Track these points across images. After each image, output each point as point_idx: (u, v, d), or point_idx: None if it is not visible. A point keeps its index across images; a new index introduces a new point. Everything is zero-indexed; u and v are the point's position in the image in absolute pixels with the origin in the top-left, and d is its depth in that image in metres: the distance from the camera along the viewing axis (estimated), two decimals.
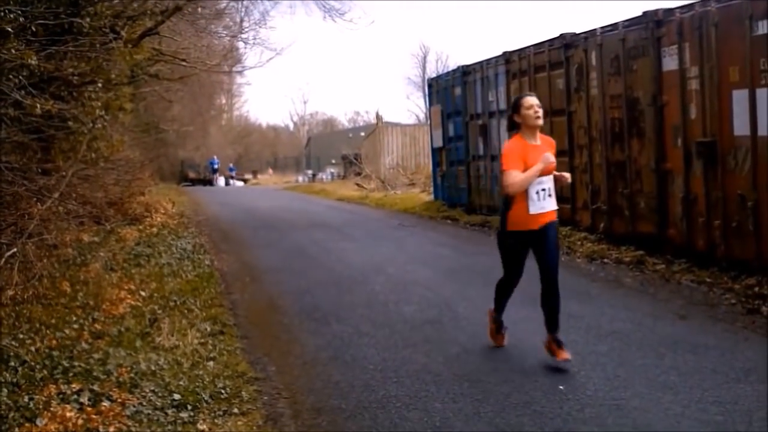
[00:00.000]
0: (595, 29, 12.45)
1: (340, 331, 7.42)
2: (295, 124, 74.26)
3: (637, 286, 9.22)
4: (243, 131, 64.12)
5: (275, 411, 5.26)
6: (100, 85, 11.82)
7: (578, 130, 13.15)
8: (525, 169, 6.02)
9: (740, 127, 9.13)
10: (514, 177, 6.00)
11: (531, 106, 6.16)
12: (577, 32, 13.18)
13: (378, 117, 35.93)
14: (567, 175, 6.53)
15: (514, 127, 6.29)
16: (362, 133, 43.83)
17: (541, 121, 6.15)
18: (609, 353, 6.28)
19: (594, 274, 10.06)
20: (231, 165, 49.64)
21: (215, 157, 48.75)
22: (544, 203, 6.11)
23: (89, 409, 5.03)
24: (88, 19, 10.48)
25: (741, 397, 5.18)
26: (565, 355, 5.90)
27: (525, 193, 6.03)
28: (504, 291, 6.55)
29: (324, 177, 43.07)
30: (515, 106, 6.26)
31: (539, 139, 6.25)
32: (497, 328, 6.61)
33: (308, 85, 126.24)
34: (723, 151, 9.42)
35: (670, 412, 4.92)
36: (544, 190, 6.10)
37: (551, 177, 6.21)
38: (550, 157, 6.09)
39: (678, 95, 10.20)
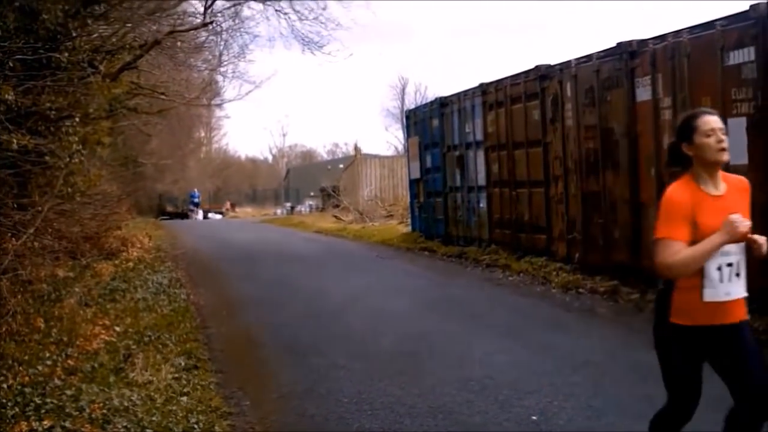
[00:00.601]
0: (569, 61, 12.60)
1: (317, 364, 7.39)
2: (274, 156, 74.28)
3: (612, 315, 9.28)
4: (222, 164, 64.05)
5: None
6: (77, 119, 11.78)
7: (554, 161, 13.26)
8: (694, 239, 3.71)
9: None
10: (675, 254, 3.69)
11: (712, 131, 3.81)
12: (552, 64, 13.33)
13: (356, 149, 36.11)
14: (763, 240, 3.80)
15: (679, 163, 3.91)
16: (341, 165, 43.96)
17: (726, 156, 3.81)
18: (583, 383, 6.29)
19: (569, 304, 10.12)
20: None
21: (196, 190, 48.56)
22: (729, 286, 3.78)
23: None
24: (66, 54, 10.47)
25: (713, 425, 5.19)
26: None
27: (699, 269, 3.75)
28: (670, 426, 4.23)
29: (303, 209, 43.07)
30: (686, 130, 3.87)
31: (722, 184, 3.87)
32: None
33: (287, 117, 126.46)
34: None
35: None
36: (730, 265, 3.77)
37: (743, 245, 3.80)
38: (739, 223, 3.68)
39: (652, 125, 10.32)
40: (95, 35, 12.99)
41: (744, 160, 8.75)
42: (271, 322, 9.69)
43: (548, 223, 13.45)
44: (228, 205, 52.48)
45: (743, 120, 8.69)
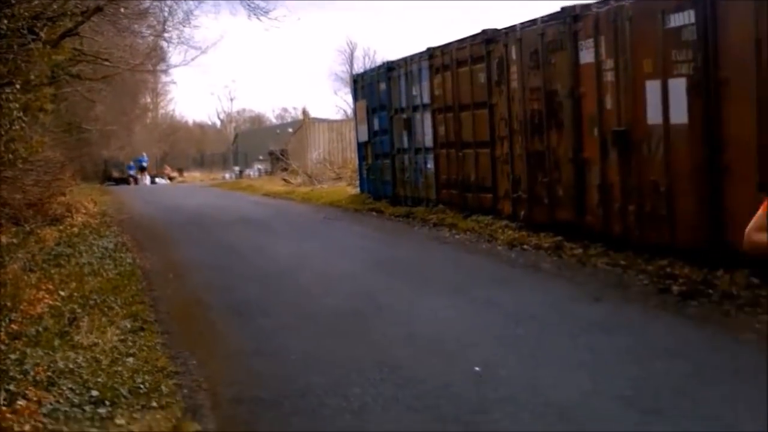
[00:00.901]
0: (515, 25, 12.69)
1: (264, 324, 7.42)
2: (222, 121, 73.35)
3: (555, 270, 9.46)
4: (169, 129, 63.12)
5: (195, 403, 5.24)
6: (18, 86, 11.53)
7: (499, 122, 13.40)
8: None
9: (653, 116, 9.42)
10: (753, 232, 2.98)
11: None
12: (498, 28, 13.42)
13: (305, 113, 35.87)
14: None
15: None
16: (290, 129, 43.60)
17: None
18: (526, 335, 6.44)
19: (514, 261, 10.29)
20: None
21: (144, 154, 47.71)
22: None
23: (4, 408, 4.94)
24: (5, 21, 10.22)
25: (651, 373, 5.37)
26: None
27: None
28: None
29: (251, 173, 42.70)
30: None
31: None
32: None
33: (235, 82, 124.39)
34: (637, 140, 9.71)
35: (582, 388, 5.07)
36: None
37: None
38: None
39: (594, 87, 10.46)
40: (35, 2, 12.69)
41: (684, 119, 8.95)
42: (218, 284, 9.67)
43: (494, 183, 13.61)
44: (168, 169, 51.19)
45: (683, 81, 8.85)
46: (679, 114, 9.03)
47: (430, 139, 16.23)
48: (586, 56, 10.64)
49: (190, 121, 73.25)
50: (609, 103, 10.21)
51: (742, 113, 8.12)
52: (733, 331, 6.31)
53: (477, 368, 5.56)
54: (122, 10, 16.24)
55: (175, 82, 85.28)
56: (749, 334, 6.18)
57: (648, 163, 9.54)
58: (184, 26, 19.94)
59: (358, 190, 21.57)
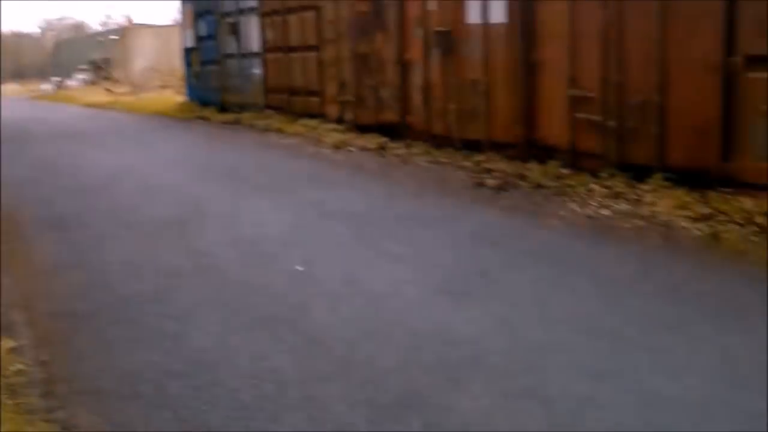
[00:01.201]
0: None
1: (84, 236, 7.19)
2: (41, 30, 68.94)
3: (378, 170, 9.67)
4: None
5: (9, 320, 5.05)
6: None
7: (327, 25, 13.32)
8: None
9: (474, 16, 9.63)
10: None
11: None
12: None
13: (128, 19, 34.19)
14: None
15: None
16: (113, 37, 41.50)
17: None
18: (346, 233, 6.58)
19: (339, 162, 10.41)
20: None
21: None
22: None
23: None
24: None
25: (462, 259, 5.65)
26: None
27: None
28: None
29: (73, 84, 40.56)
30: None
31: None
32: None
33: None
34: (458, 40, 9.91)
35: (397, 279, 5.27)
36: None
37: None
38: None
39: None
40: None
41: (503, 18, 9.23)
42: (35, 199, 9.24)
43: (321, 86, 13.62)
44: None
45: None
46: (499, 13, 9.28)
47: (257, 44, 15.97)
48: None
49: (5, 30, 68.44)
50: (432, 4, 10.34)
51: (557, 11, 8.43)
52: (540, 219, 6.70)
53: (299, 267, 5.66)
54: None
55: None
56: (554, 220, 6.58)
57: (468, 62, 9.79)
58: None
59: (185, 98, 21.02)
